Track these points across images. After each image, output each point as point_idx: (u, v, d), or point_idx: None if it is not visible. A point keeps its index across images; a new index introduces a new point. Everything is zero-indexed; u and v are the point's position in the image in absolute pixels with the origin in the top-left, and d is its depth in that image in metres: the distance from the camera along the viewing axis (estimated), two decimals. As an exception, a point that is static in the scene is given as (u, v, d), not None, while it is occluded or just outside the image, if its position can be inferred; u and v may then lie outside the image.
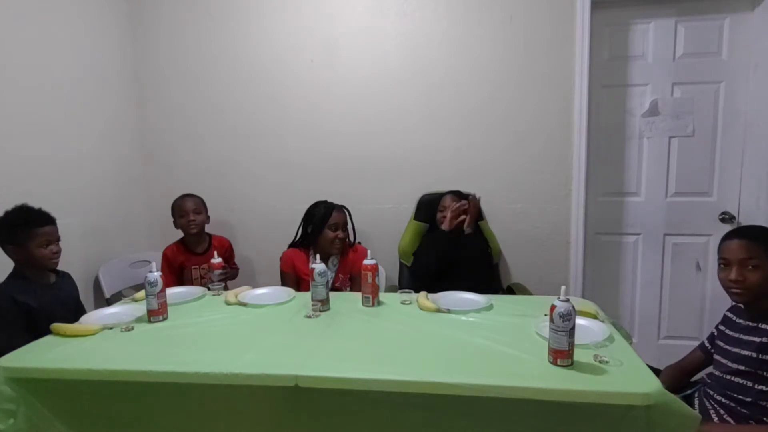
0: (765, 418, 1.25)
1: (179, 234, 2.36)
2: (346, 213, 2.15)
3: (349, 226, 2.19)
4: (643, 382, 1.11)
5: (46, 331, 1.48)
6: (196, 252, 2.32)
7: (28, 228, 1.64)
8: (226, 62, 2.56)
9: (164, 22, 2.58)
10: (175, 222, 2.31)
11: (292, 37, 2.49)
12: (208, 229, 2.40)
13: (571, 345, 1.18)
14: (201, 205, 2.33)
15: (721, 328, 1.44)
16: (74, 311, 1.76)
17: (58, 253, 1.71)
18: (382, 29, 2.43)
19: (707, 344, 1.49)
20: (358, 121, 2.50)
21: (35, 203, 1.74)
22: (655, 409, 1.05)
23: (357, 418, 1.24)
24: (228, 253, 2.42)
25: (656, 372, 1.53)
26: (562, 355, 1.18)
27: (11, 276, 1.67)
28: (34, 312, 1.60)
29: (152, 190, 2.71)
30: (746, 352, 1.29)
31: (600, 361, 1.21)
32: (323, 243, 2.10)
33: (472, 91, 2.41)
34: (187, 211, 2.26)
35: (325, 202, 2.17)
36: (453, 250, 2.12)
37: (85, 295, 2.26)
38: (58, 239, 1.72)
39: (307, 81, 2.51)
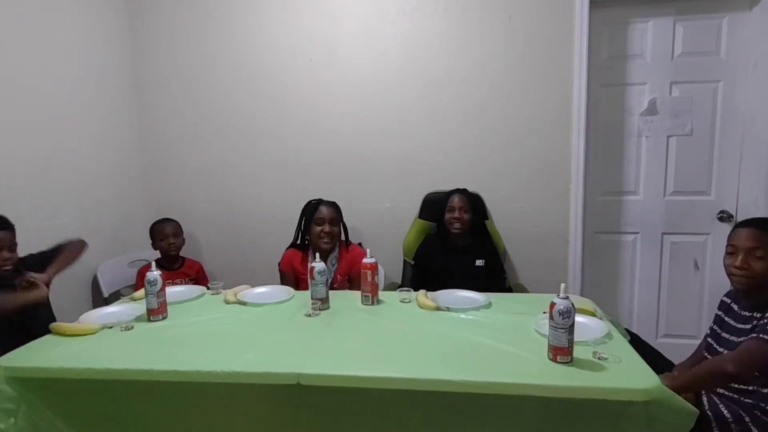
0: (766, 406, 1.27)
1: None
2: (335, 209, 2.16)
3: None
4: (641, 378, 1.12)
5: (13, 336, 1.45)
6: (171, 268, 2.38)
7: None
8: (225, 62, 2.56)
9: (164, 22, 2.58)
10: (153, 244, 2.39)
11: (291, 37, 2.50)
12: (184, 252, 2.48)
13: (571, 342, 1.19)
14: (179, 229, 2.43)
15: (719, 313, 1.47)
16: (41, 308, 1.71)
17: (8, 260, 1.63)
18: (382, 29, 2.43)
19: (710, 339, 1.50)
20: (358, 120, 2.50)
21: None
22: (653, 405, 1.06)
23: (358, 415, 1.24)
24: (200, 273, 2.44)
25: (669, 364, 1.56)
26: (562, 352, 1.19)
27: None
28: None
29: (151, 189, 2.71)
30: (742, 338, 1.32)
31: (599, 358, 1.21)
32: (313, 239, 2.13)
33: (471, 91, 2.41)
34: (167, 234, 2.36)
35: (318, 199, 2.20)
36: (454, 258, 2.14)
37: (84, 295, 2.27)
38: (11, 246, 1.65)
39: (307, 80, 2.51)
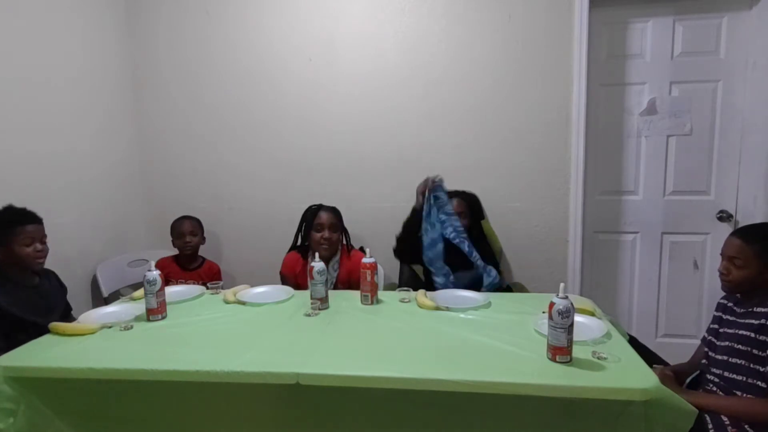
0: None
1: None
2: (335, 214, 2.14)
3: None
4: (640, 378, 1.12)
5: (25, 334, 1.46)
6: (187, 268, 2.38)
7: (11, 227, 1.62)
8: (223, 61, 2.56)
9: (162, 20, 2.57)
10: (173, 241, 2.38)
11: (290, 36, 2.49)
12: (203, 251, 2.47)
13: (570, 342, 1.19)
14: (197, 228, 2.40)
15: (717, 314, 1.51)
16: (61, 314, 1.75)
17: (42, 251, 1.68)
18: (381, 27, 2.43)
19: (707, 335, 1.53)
20: (357, 119, 2.50)
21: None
22: (652, 404, 1.06)
23: (358, 414, 1.25)
24: (216, 277, 2.41)
25: (664, 364, 1.60)
26: (561, 352, 1.19)
27: None
28: (10, 314, 1.57)
29: (150, 188, 2.71)
30: (743, 332, 1.35)
31: (598, 358, 1.21)
32: (313, 245, 2.11)
33: (470, 90, 2.41)
34: (184, 233, 2.34)
35: (318, 204, 2.18)
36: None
37: (83, 295, 2.26)
38: (42, 239, 1.70)
39: (306, 79, 2.51)
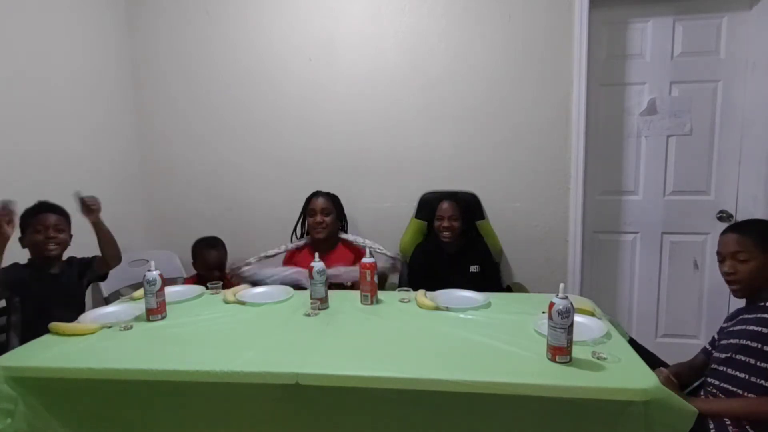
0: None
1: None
2: (328, 198, 2.20)
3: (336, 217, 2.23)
4: (640, 378, 1.12)
5: (40, 319, 1.51)
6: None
7: (30, 216, 1.73)
8: (224, 60, 2.56)
9: (162, 20, 2.57)
10: (194, 264, 2.29)
11: (290, 36, 2.50)
12: None
13: (570, 342, 1.19)
14: (224, 254, 2.30)
15: (723, 325, 1.47)
16: (75, 302, 1.84)
17: (53, 239, 1.73)
18: (380, 27, 2.43)
19: (708, 347, 1.51)
20: (357, 119, 2.50)
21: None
22: (653, 405, 1.06)
23: (357, 415, 1.24)
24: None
25: (664, 365, 1.57)
26: (561, 352, 1.19)
27: (24, 264, 1.75)
28: (26, 300, 1.69)
29: (150, 188, 2.71)
30: (753, 327, 1.30)
31: (598, 358, 1.21)
32: (310, 232, 2.20)
33: (470, 90, 2.41)
34: (211, 267, 2.23)
35: (316, 191, 2.25)
36: (447, 265, 2.13)
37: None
38: (58, 228, 1.75)
39: (306, 79, 2.51)
